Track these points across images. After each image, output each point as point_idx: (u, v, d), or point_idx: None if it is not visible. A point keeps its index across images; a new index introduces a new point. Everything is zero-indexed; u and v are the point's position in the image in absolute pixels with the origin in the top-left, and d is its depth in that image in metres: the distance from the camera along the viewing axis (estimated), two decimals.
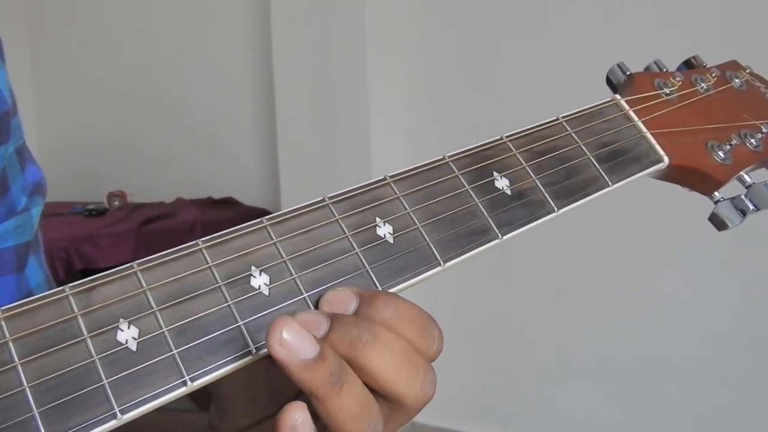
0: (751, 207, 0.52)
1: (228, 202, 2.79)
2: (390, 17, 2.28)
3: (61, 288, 0.33)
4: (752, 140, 0.53)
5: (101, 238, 2.34)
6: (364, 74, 2.22)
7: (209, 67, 2.87)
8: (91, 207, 2.70)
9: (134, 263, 0.34)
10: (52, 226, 2.38)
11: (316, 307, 0.36)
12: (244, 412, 0.43)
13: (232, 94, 2.82)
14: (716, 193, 0.52)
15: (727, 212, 0.52)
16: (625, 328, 2.12)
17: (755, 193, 0.52)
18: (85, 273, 2.29)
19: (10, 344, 0.31)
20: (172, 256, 0.35)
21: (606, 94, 0.54)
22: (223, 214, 2.66)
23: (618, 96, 0.49)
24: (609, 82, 0.55)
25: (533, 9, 2.14)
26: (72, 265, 2.23)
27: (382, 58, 2.26)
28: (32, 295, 0.54)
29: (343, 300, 0.35)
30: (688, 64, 0.59)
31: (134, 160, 3.10)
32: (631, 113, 0.48)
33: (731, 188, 0.54)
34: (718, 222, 0.52)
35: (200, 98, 2.90)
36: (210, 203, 2.79)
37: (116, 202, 2.74)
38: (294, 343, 0.31)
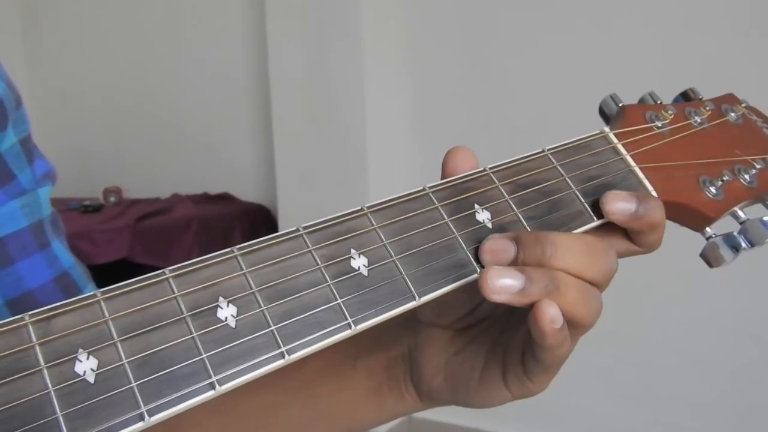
0: (744, 244, 0.51)
1: (224, 198, 2.79)
2: (386, 10, 2.28)
3: (20, 316, 0.32)
4: (746, 176, 0.51)
5: (97, 234, 2.34)
6: (361, 68, 2.22)
7: (205, 62, 2.88)
8: (86, 203, 2.70)
9: (97, 291, 0.33)
10: None
11: (477, 258, 0.40)
12: (462, 300, 0.46)
13: (228, 88, 2.83)
14: (708, 229, 0.51)
15: (719, 249, 0.50)
16: (629, 321, 2.11)
17: (749, 230, 0.51)
18: None
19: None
20: (137, 285, 0.34)
21: (599, 101, 0.54)
22: (219, 209, 2.66)
23: (606, 129, 0.48)
24: (602, 113, 0.54)
25: (531, 1, 2.15)
26: None
27: (378, 52, 2.26)
28: (68, 275, 0.54)
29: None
30: (685, 96, 0.58)
31: (130, 155, 3.11)
32: (620, 146, 0.47)
33: (726, 224, 0.53)
34: (709, 259, 0.51)
35: (196, 93, 2.91)
36: (206, 199, 2.79)
37: (112, 198, 2.74)
38: (504, 283, 0.38)
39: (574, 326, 0.40)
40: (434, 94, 2.31)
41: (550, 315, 0.37)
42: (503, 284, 0.38)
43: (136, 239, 2.36)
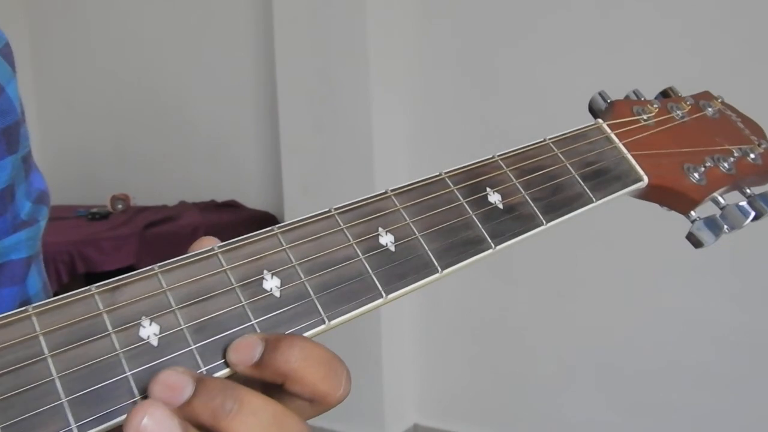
0: (726, 227, 0.55)
1: (231, 206, 2.83)
2: (391, 21, 2.33)
3: (87, 288, 0.35)
4: (725, 164, 0.56)
5: (104, 241, 2.36)
6: (366, 78, 2.26)
7: (212, 71, 2.92)
8: (94, 210, 2.75)
9: (155, 266, 0.36)
10: (55, 229, 2.39)
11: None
12: None
13: (236, 97, 2.87)
14: (693, 213, 0.55)
15: (702, 231, 0.55)
16: (625, 331, 2.15)
17: (728, 214, 0.56)
18: (89, 276, 2.31)
19: (41, 337, 0.33)
20: (191, 260, 0.37)
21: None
22: (226, 217, 2.69)
23: (600, 120, 0.53)
24: (591, 109, 0.59)
25: (532, 15, 2.20)
26: (75, 268, 2.23)
27: (383, 62, 2.30)
28: (30, 304, 0.56)
29: (248, 346, 0.35)
30: (664, 94, 0.63)
31: (138, 163, 3.13)
32: (613, 136, 0.52)
33: (708, 209, 0.58)
34: (694, 240, 0.55)
35: (203, 102, 2.94)
36: (213, 206, 2.83)
37: (119, 206, 2.78)
38: None
39: None
40: (438, 102, 2.35)
41: None
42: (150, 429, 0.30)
43: (144, 246, 2.38)
